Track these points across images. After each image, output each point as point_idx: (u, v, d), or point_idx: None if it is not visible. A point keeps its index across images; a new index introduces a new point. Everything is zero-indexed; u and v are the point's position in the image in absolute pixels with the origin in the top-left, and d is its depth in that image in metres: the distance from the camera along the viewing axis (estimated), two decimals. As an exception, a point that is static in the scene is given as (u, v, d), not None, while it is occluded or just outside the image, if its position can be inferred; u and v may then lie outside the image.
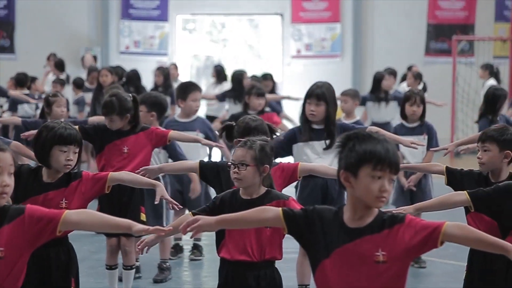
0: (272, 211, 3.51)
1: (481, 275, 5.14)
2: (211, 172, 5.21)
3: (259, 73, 16.18)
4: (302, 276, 6.66)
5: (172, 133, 6.79)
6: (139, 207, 6.74)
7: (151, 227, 3.57)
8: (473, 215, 5.25)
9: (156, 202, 5.02)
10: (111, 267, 6.92)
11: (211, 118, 13.77)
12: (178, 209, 5.04)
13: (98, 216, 3.69)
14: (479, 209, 4.54)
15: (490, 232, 5.16)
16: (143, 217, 6.72)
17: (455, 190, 5.02)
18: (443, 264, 7.85)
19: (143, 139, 6.71)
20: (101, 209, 6.44)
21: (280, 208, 3.51)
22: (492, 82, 15.76)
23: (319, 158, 6.62)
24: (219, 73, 15.73)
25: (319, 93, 6.65)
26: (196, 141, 6.89)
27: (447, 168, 5.24)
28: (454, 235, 3.28)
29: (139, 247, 4.09)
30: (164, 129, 6.96)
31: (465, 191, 4.50)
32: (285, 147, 6.67)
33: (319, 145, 6.66)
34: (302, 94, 19.34)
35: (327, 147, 6.62)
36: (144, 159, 6.62)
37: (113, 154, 6.66)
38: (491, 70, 16.07)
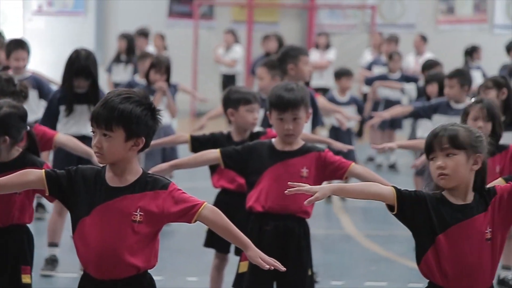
0: (34, 174, 3.53)
1: None
2: None
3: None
4: (53, 234, 6.83)
5: None
6: None
7: None
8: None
9: None
10: None
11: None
12: None
13: None
14: (228, 166, 4.74)
15: None
16: None
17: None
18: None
19: None
20: None
21: (43, 170, 3.53)
22: (238, 48, 16.55)
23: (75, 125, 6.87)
24: None
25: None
26: None
27: (191, 136, 5.48)
28: (207, 218, 3.44)
29: None
30: None
31: (219, 149, 4.72)
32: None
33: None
34: (44, 52, 18.84)
35: None
36: None
37: None
38: (235, 36, 16.85)
